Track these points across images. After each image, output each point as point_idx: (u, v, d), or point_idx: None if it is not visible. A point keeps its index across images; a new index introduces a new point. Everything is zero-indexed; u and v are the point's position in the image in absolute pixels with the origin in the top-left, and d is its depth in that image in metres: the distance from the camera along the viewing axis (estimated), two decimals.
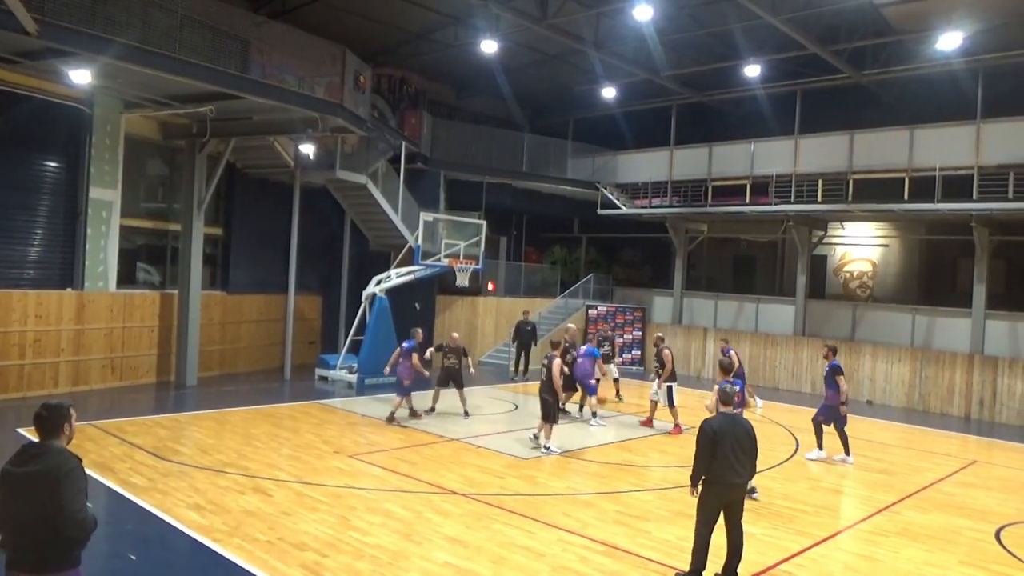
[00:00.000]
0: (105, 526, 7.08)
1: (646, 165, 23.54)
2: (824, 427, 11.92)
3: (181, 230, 16.44)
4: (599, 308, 23.97)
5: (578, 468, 10.89)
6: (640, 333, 23.73)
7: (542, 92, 24.97)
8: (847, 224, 22.60)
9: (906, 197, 17.97)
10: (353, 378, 17.14)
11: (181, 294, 16.30)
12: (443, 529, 7.87)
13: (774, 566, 7.33)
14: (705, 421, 6.78)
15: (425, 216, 18.04)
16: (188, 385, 15.94)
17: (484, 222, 19.71)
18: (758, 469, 7.25)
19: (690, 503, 7.09)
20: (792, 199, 19.83)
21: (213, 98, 14.05)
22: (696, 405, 16.35)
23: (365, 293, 17.71)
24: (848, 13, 16.58)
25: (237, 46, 13.96)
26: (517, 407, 15.42)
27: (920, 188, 17.82)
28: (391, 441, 11.95)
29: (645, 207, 23.03)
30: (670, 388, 13.73)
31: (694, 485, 6.76)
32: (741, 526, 6.78)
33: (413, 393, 13.53)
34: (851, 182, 19.03)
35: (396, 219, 19.25)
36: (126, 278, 16.06)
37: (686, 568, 6.81)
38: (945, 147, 17.64)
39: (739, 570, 6.78)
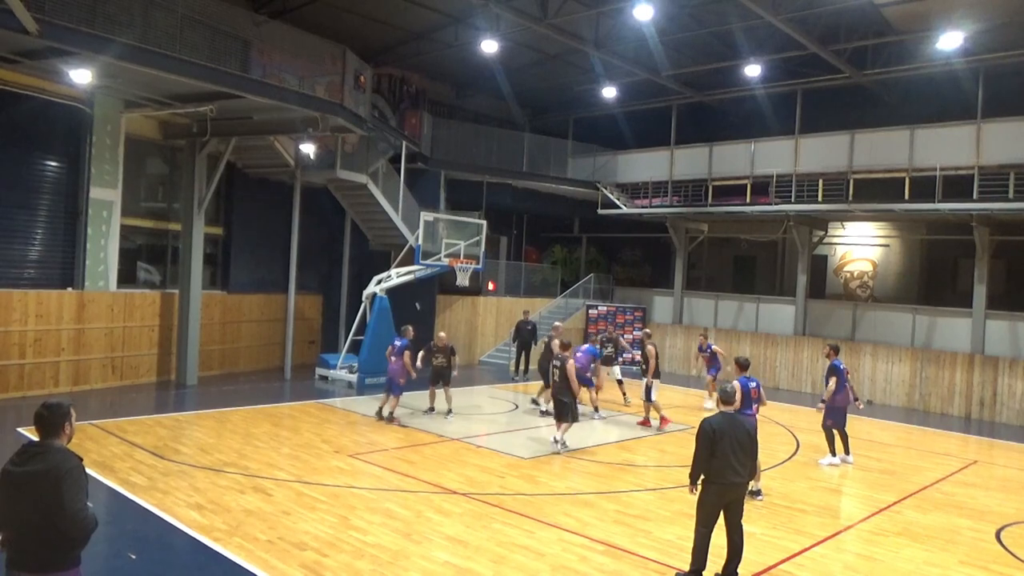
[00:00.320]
0: (105, 525, 7.09)
1: (646, 165, 23.54)
2: (835, 431, 11.74)
3: (181, 230, 16.44)
4: (599, 308, 23.97)
5: (578, 468, 10.89)
6: (641, 333, 23.71)
7: (542, 92, 24.97)
8: (847, 224, 22.59)
9: (907, 197, 17.97)
10: (353, 378, 17.14)
11: (181, 294, 16.30)
12: (443, 528, 7.87)
13: (774, 566, 7.33)
14: (704, 420, 6.78)
15: (425, 216, 18.04)
16: (188, 385, 15.94)
17: (484, 222, 19.71)
18: (759, 469, 7.25)
19: (690, 503, 7.09)
20: (792, 199, 19.83)
21: (213, 98, 14.05)
22: (696, 404, 16.39)
23: (365, 293, 17.71)
24: (848, 13, 16.58)
25: (237, 46, 13.97)
26: (517, 407, 15.42)
27: (920, 188, 17.81)
28: (391, 441, 11.95)
29: (645, 207, 23.03)
30: (647, 384, 13.82)
31: (693, 483, 6.77)
32: (741, 526, 6.78)
33: (398, 395, 13.51)
34: (851, 182, 19.03)
35: (396, 219, 19.25)
36: (126, 278, 16.06)
37: (686, 568, 6.81)
38: (946, 147, 17.63)
39: (739, 570, 6.78)
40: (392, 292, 17.75)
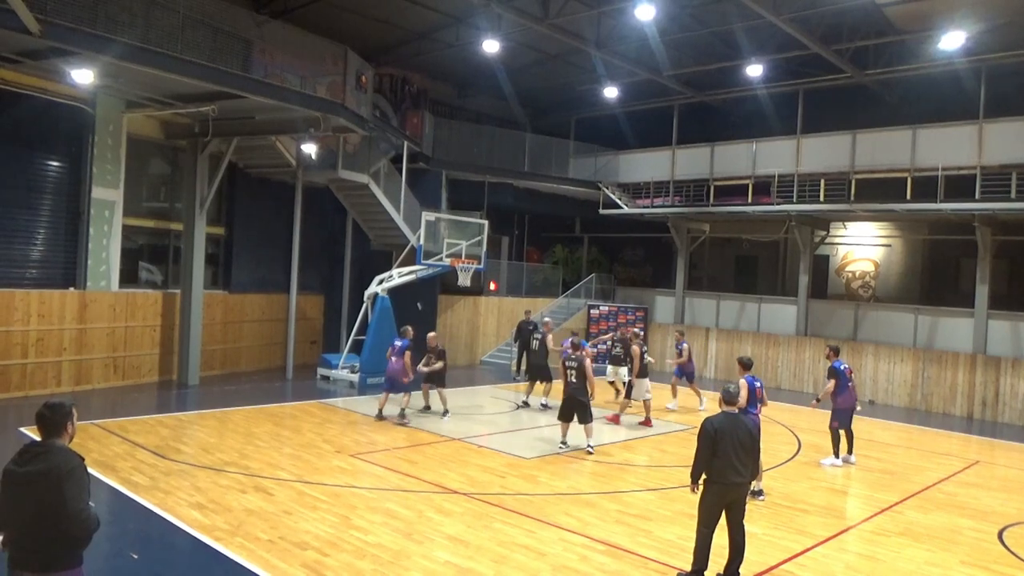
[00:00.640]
0: (107, 525, 7.09)
1: (648, 165, 23.53)
2: (841, 432, 11.69)
3: (183, 229, 16.46)
4: (601, 308, 23.97)
5: (579, 467, 10.89)
6: (642, 333, 23.67)
7: (544, 92, 24.97)
8: (849, 224, 22.57)
9: (908, 197, 17.95)
10: (355, 378, 17.15)
11: (183, 293, 16.31)
12: (444, 528, 7.87)
13: (776, 566, 7.32)
14: (706, 419, 6.78)
15: (427, 216, 18.05)
16: (190, 384, 15.95)
17: (486, 222, 19.72)
18: (761, 469, 7.24)
19: (691, 503, 7.09)
20: (794, 199, 19.81)
21: (215, 98, 14.06)
22: (692, 405, 16.37)
23: (367, 293, 17.71)
24: (850, 13, 16.56)
25: (239, 45, 13.97)
26: (518, 407, 15.42)
27: (922, 188, 17.79)
28: (392, 440, 11.95)
29: (647, 207, 23.03)
30: (630, 382, 13.80)
31: (694, 483, 6.76)
32: (743, 526, 6.78)
33: (408, 392, 13.56)
34: (853, 182, 19.01)
35: (398, 219, 19.26)
36: (128, 277, 16.07)
37: (687, 568, 6.80)
38: (948, 147, 17.61)
39: (741, 570, 6.78)
40: (394, 292, 17.76)
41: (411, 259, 18.32)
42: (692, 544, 6.77)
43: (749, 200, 20.76)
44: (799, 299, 21.23)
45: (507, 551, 7.31)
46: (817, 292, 22.22)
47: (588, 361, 11.65)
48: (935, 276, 21.96)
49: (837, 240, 23.24)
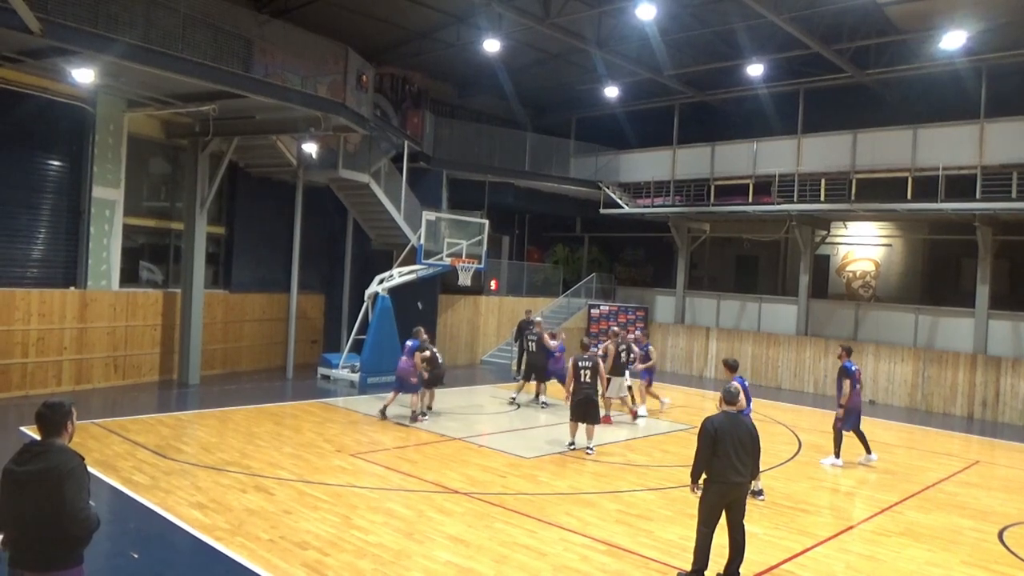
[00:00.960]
0: (108, 524, 7.10)
1: (649, 164, 23.52)
2: (844, 433, 11.60)
3: (184, 229, 16.46)
4: (601, 307, 23.97)
5: (580, 467, 10.89)
6: (642, 333, 23.69)
7: (544, 91, 24.97)
8: (850, 224, 22.56)
9: (909, 197, 17.94)
10: (355, 377, 17.14)
11: (184, 293, 16.32)
12: (445, 528, 7.87)
13: (776, 566, 7.32)
14: (707, 419, 6.78)
15: (428, 215, 18.04)
16: (191, 384, 15.95)
17: (486, 221, 19.71)
18: (760, 468, 7.23)
19: (692, 502, 7.09)
20: (795, 199, 19.80)
21: (216, 97, 14.06)
22: (693, 404, 16.38)
23: (367, 292, 17.70)
24: (851, 12, 16.55)
25: (240, 45, 13.97)
26: (519, 406, 15.42)
27: (923, 188, 17.78)
28: (393, 440, 11.96)
29: (648, 206, 23.02)
30: (609, 379, 13.72)
31: (694, 482, 6.76)
32: (743, 525, 6.78)
33: (418, 392, 13.55)
34: (854, 182, 19.00)
35: (399, 218, 19.26)
36: (129, 277, 16.08)
37: (688, 568, 6.80)
38: (948, 147, 17.59)
39: (741, 570, 6.78)
40: (394, 292, 17.75)
41: (412, 258, 18.32)
42: (692, 544, 6.77)
43: (750, 200, 20.76)
44: (799, 299, 21.22)
45: (508, 551, 7.31)
46: (818, 292, 22.21)
47: (600, 362, 11.77)
48: (936, 276, 21.95)
49: (838, 240, 23.24)
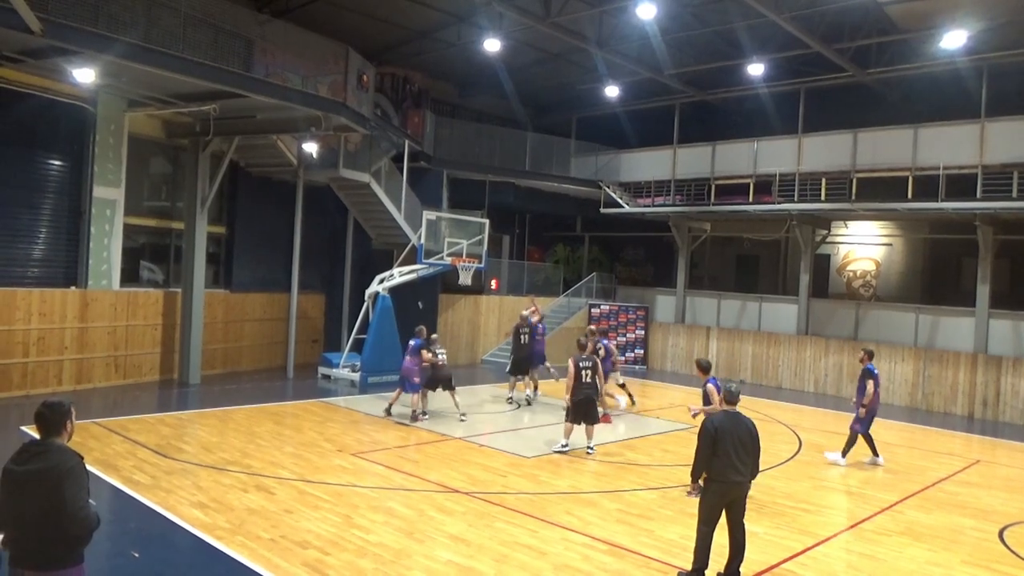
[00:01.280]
0: (108, 524, 7.11)
1: (649, 164, 23.52)
2: (860, 434, 11.60)
3: (184, 228, 16.46)
4: (602, 307, 23.97)
5: (580, 467, 10.89)
6: (643, 332, 23.76)
7: (545, 91, 24.96)
8: (850, 223, 22.55)
9: (910, 196, 17.93)
10: (356, 376, 17.15)
11: (184, 292, 16.32)
12: (446, 527, 7.87)
13: (777, 565, 7.32)
14: (707, 419, 6.79)
15: (428, 214, 18.03)
16: (191, 383, 15.96)
17: (487, 220, 19.68)
18: (760, 468, 7.23)
19: (692, 502, 7.09)
20: (795, 198, 19.80)
21: (216, 97, 14.06)
22: (693, 404, 16.36)
23: (368, 292, 17.70)
24: (852, 11, 16.54)
25: (240, 45, 13.97)
26: (519, 406, 15.42)
27: (924, 187, 17.77)
28: (394, 439, 11.96)
29: (648, 206, 23.02)
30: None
31: (694, 482, 6.78)
32: (744, 525, 6.78)
33: (416, 392, 13.56)
34: (855, 181, 18.98)
35: (399, 217, 19.26)
36: (129, 276, 16.08)
37: (689, 567, 6.80)
38: (949, 146, 17.58)
39: (741, 569, 6.78)
40: (395, 291, 17.76)
41: (412, 258, 18.32)
42: (693, 543, 6.77)
43: (750, 199, 20.75)
44: (800, 298, 21.21)
45: (509, 550, 7.31)
46: (818, 291, 22.21)
47: (598, 362, 11.84)
48: (936, 275, 21.95)
49: (838, 239, 23.23)
